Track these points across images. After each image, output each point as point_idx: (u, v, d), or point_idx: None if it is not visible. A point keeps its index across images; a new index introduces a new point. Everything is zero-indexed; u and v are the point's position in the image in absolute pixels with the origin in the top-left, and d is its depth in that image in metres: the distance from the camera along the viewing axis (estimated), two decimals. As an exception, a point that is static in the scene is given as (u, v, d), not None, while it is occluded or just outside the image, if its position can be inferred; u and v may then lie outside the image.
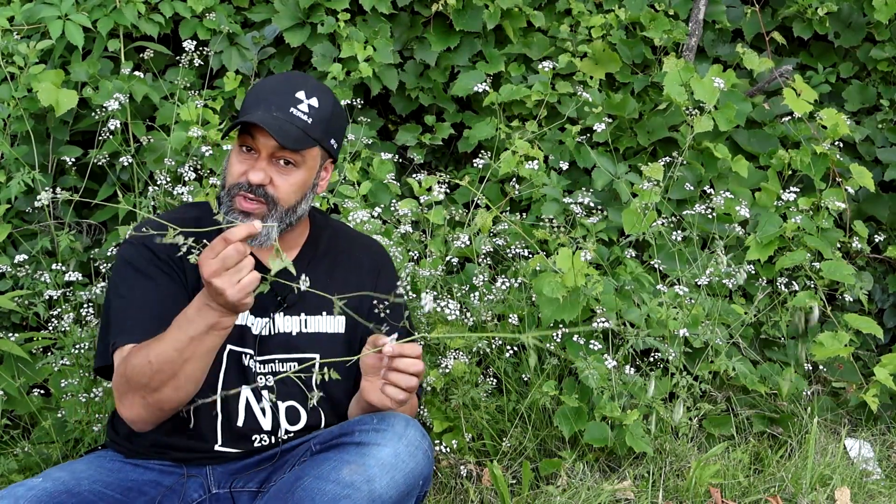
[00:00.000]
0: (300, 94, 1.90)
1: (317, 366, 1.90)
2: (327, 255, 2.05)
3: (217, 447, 1.94)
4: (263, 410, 1.95)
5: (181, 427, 1.91)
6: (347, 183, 3.07)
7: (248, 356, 1.95)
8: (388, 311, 1.93)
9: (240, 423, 1.94)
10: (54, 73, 3.00)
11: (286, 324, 1.98)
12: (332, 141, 1.97)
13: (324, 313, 2.01)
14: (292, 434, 1.97)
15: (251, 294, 1.69)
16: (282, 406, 1.97)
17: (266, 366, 1.96)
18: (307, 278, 1.76)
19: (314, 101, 1.91)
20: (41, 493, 1.70)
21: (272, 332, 1.97)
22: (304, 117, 1.89)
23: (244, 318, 1.95)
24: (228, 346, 1.93)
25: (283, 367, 1.96)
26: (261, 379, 1.93)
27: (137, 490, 1.86)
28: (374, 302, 1.94)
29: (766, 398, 2.96)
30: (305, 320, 2.00)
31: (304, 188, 1.94)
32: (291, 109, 1.89)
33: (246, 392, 1.94)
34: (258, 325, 1.97)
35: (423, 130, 3.53)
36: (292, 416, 1.98)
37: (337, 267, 2.05)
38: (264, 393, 1.94)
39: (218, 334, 1.75)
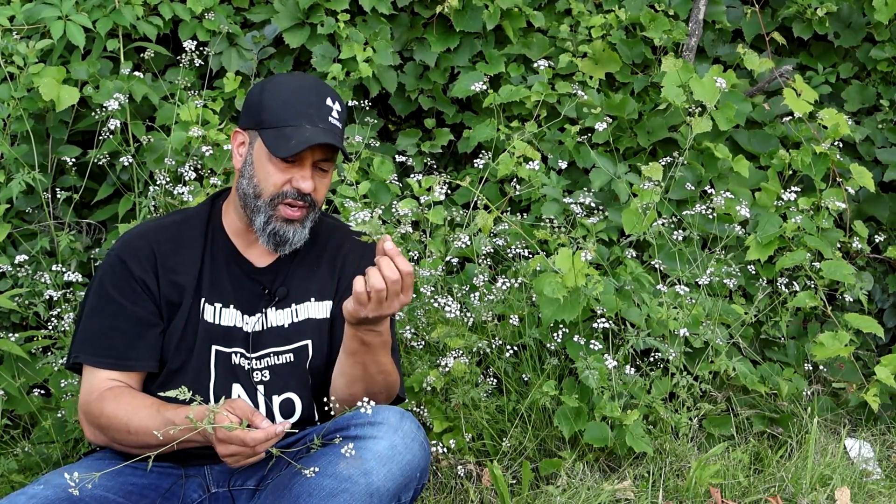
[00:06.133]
0: (329, 102, 1.94)
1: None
2: (314, 245, 2.06)
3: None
4: (257, 406, 1.96)
5: None
6: (347, 183, 3.07)
7: (239, 355, 1.96)
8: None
9: None
10: (56, 69, 3.00)
11: (278, 317, 2.00)
12: None
13: (312, 299, 2.03)
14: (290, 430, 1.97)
15: None
16: (276, 400, 1.98)
17: (262, 360, 1.97)
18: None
19: (338, 106, 1.96)
20: (42, 501, 1.71)
21: (265, 327, 1.98)
22: (338, 124, 1.95)
23: (232, 320, 1.97)
24: (214, 348, 1.95)
25: (278, 359, 1.99)
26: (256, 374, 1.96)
27: (139, 493, 1.87)
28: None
29: (766, 398, 2.96)
30: (296, 310, 2.01)
31: (330, 186, 2.03)
32: (330, 119, 1.93)
33: (238, 390, 1.96)
34: (251, 323, 1.98)
35: (423, 133, 3.52)
36: (287, 410, 1.99)
37: (323, 254, 2.07)
38: (259, 388, 1.95)
39: (196, 444, 1.80)
